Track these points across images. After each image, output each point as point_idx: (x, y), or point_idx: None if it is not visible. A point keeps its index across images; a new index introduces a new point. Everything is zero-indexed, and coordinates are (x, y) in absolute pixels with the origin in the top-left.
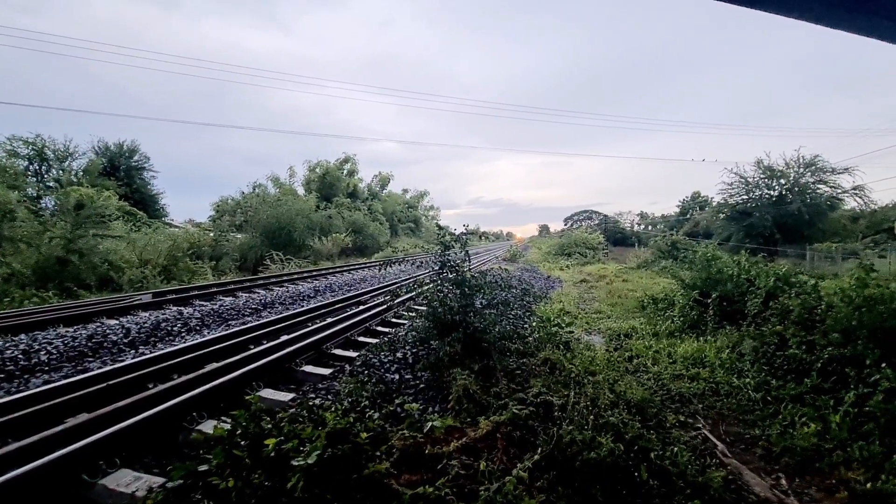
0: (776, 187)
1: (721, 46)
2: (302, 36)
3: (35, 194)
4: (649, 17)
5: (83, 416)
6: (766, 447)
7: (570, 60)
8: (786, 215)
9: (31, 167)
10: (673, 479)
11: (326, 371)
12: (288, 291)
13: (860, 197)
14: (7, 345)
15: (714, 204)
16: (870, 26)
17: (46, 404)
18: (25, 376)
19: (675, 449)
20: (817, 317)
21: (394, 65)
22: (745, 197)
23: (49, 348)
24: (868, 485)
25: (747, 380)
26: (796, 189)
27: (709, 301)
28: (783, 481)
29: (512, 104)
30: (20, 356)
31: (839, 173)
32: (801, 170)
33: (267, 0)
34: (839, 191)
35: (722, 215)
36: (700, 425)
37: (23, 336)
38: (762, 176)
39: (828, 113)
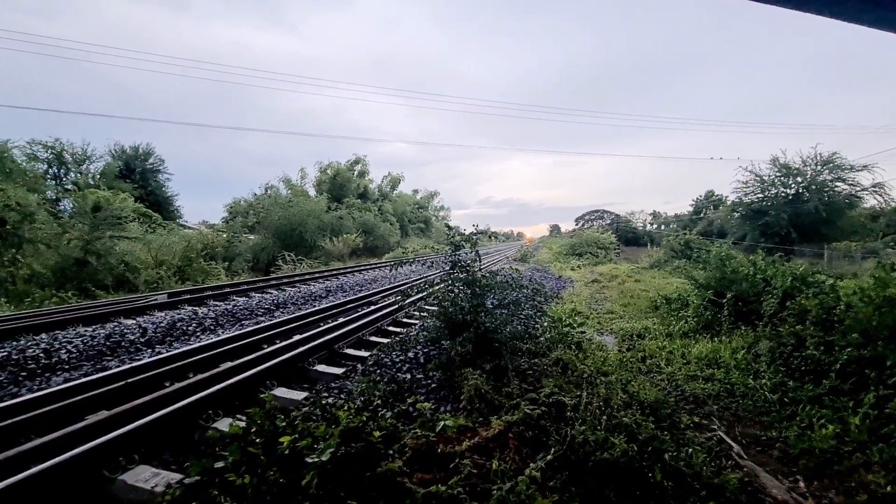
0: (792, 185)
1: (728, 43)
2: (309, 36)
3: (54, 197)
4: (656, 15)
5: (103, 414)
6: (784, 449)
7: (578, 59)
8: (802, 214)
9: (50, 170)
10: (688, 480)
11: (339, 370)
12: (300, 292)
13: (880, 195)
14: (29, 344)
15: (728, 203)
16: (883, 19)
17: (67, 402)
18: (47, 374)
19: (690, 450)
20: (836, 317)
21: (400, 64)
22: (761, 195)
23: (69, 347)
24: (888, 488)
25: (763, 381)
26: (813, 187)
27: (723, 301)
28: (801, 484)
29: (520, 103)
30: (41, 355)
31: (858, 170)
32: (819, 167)
33: (273, 1)
34: (858, 188)
35: (737, 214)
36: (715, 427)
37: (44, 335)
38: (778, 174)
39: (838, 108)
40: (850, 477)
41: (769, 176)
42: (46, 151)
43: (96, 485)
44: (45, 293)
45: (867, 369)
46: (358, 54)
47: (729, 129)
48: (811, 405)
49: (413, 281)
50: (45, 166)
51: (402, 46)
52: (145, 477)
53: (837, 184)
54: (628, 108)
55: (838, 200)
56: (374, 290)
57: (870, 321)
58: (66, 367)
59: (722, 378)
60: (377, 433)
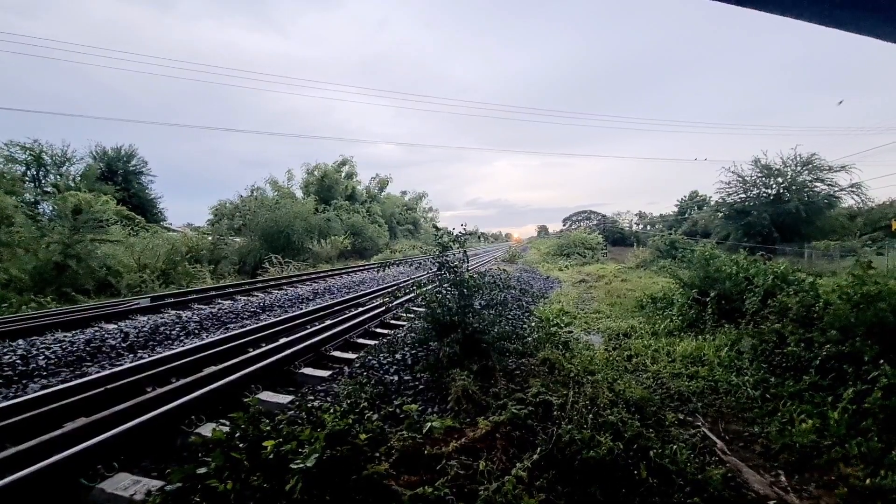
0: (774, 186)
1: (713, 49)
2: (297, 37)
3: (32, 199)
4: (643, 20)
5: (81, 421)
6: (765, 444)
7: (565, 62)
8: (783, 213)
9: (28, 172)
10: (672, 477)
11: (325, 373)
12: (286, 294)
13: (857, 195)
14: (5, 350)
15: (712, 203)
16: (868, 25)
17: (45, 409)
18: (24, 381)
19: (675, 447)
20: (815, 314)
21: (390, 66)
22: (743, 196)
23: (47, 353)
24: (867, 481)
25: (746, 378)
26: (794, 187)
27: (707, 300)
28: (782, 478)
29: (508, 105)
30: (18, 361)
31: (836, 171)
32: (799, 168)
33: (261, 1)
34: (836, 189)
35: (720, 214)
36: (699, 423)
37: (21, 341)
38: (759, 175)
39: (817, 112)
40: (829, 470)
41: (751, 177)
42: (24, 153)
43: (74, 493)
44: (23, 298)
45: (846, 365)
46: (346, 56)
47: (714, 132)
48: (792, 401)
49: (401, 282)
50: (24, 168)
51: (391, 49)
52: (125, 485)
53: (816, 184)
54: (615, 110)
55: (817, 200)
56: (362, 292)
57: (848, 318)
58: (44, 373)
59: (706, 375)
60: (363, 436)
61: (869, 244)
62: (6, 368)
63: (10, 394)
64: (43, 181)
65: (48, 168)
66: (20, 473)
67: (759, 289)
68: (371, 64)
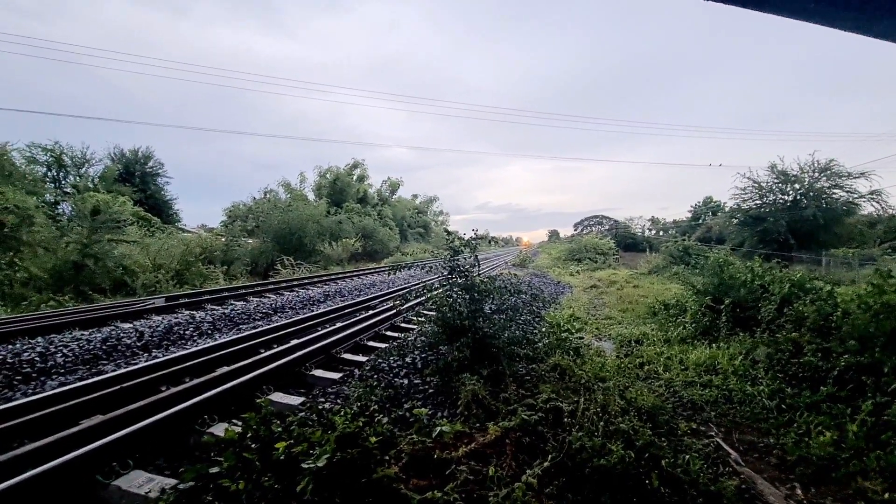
0: (790, 192)
1: (725, 51)
2: (309, 41)
3: (53, 200)
4: (655, 23)
5: (97, 418)
6: (781, 456)
7: (575, 65)
8: (800, 220)
9: (49, 173)
10: (684, 487)
11: (336, 375)
12: (298, 296)
13: (877, 202)
14: (24, 347)
15: (727, 209)
16: (880, 30)
17: (62, 406)
18: (42, 378)
19: (687, 457)
20: (833, 324)
21: (400, 69)
22: (759, 202)
23: (65, 351)
24: (886, 495)
25: (761, 387)
26: (811, 194)
27: (721, 307)
28: (798, 491)
29: (519, 109)
30: (37, 358)
31: (855, 178)
32: (816, 174)
33: (274, 6)
34: (855, 195)
35: (735, 220)
36: (713, 433)
37: (39, 339)
38: (776, 181)
39: (832, 116)
40: (847, 484)
41: (767, 183)
42: (46, 154)
43: (90, 490)
44: (42, 296)
45: (865, 376)
46: (358, 60)
47: (727, 137)
48: (809, 412)
49: (412, 286)
50: (45, 169)
51: (402, 52)
52: (139, 482)
53: (835, 191)
54: (627, 114)
55: (836, 207)
56: (373, 295)
57: (867, 328)
58: (62, 370)
59: (720, 384)
60: (373, 439)
61: (889, 252)
62: (25, 366)
63: (29, 390)
64: (63, 182)
65: (68, 169)
66: (39, 469)
67: (774, 297)
68: (381, 67)
